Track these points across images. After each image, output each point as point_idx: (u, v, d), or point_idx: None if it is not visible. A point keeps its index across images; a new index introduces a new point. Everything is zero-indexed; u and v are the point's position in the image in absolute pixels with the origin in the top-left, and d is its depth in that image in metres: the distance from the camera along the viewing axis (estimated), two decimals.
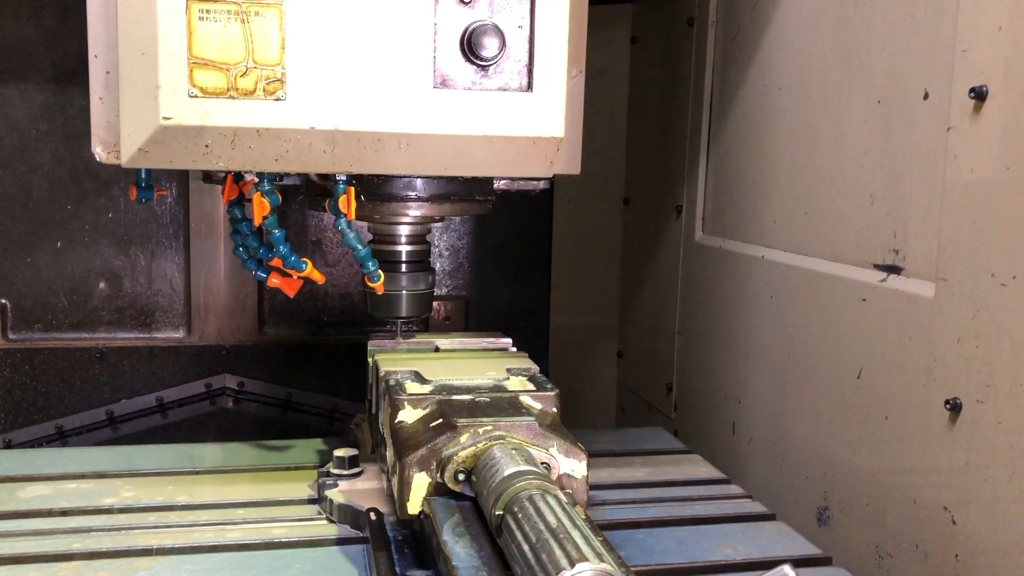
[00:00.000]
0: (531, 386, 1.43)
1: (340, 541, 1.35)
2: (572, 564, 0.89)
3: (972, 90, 1.23)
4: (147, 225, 2.35)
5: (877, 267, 1.48)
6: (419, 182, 1.52)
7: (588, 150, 2.58)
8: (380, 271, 1.51)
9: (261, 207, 1.40)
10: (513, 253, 2.60)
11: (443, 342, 1.68)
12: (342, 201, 1.40)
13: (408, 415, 1.34)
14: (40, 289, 2.31)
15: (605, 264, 2.67)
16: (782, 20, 1.78)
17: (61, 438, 2.34)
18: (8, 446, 2.30)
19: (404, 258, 1.62)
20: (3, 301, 2.29)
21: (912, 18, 1.40)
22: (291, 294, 1.54)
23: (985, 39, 1.22)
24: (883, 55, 1.47)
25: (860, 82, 1.53)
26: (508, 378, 1.46)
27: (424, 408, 1.34)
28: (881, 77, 1.47)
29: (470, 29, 1.33)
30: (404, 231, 1.61)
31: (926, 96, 1.37)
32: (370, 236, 1.63)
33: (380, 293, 1.55)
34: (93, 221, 2.31)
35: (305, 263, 1.48)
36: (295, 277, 1.51)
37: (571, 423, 1.37)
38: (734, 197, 1.99)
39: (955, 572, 1.28)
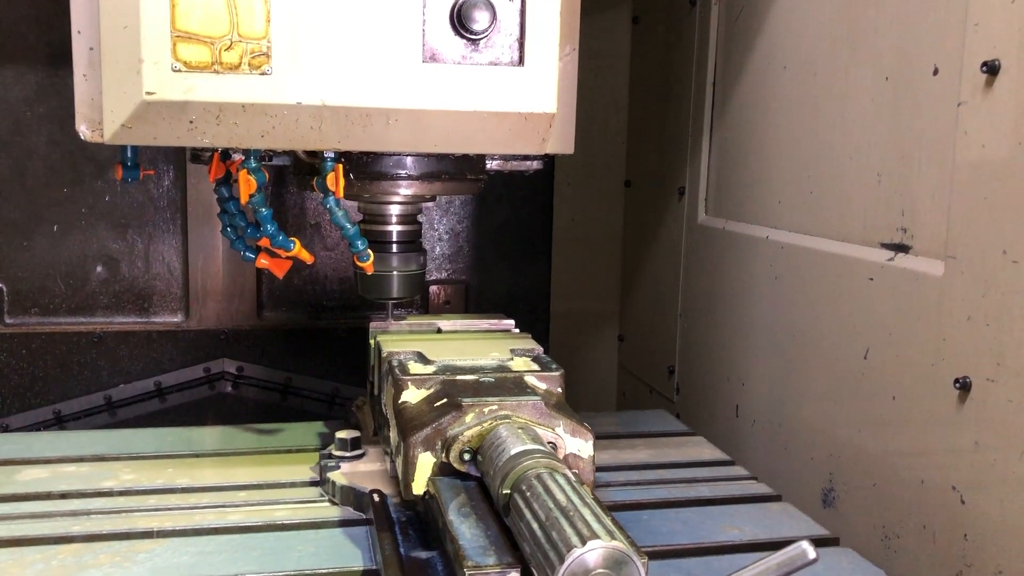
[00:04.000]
0: (535, 366, 1.41)
1: (343, 523, 1.34)
2: (583, 542, 0.88)
3: (984, 64, 1.21)
4: (144, 208, 2.32)
5: (884, 246, 1.47)
6: (409, 160, 1.50)
7: (589, 132, 2.58)
8: (369, 251, 1.49)
9: (247, 185, 1.37)
10: (513, 237, 2.58)
11: (445, 323, 1.66)
12: (330, 179, 1.38)
13: (412, 395, 1.32)
14: (37, 273, 2.29)
15: (606, 247, 2.65)
16: None
17: (59, 423, 2.33)
18: (6, 431, 2.28)
19: (395, 238, 1.59)
20: (0, 285, 2.27)
21: None
22: (280, 275, 1.52)
23: (998, 12, 1.20)
24: (891, 30, 1.45)
25: (867, 59, 1.51)
26: (512, 358, 1.45)
27: (428, 388, 1.33)
28: (889, 53, 1.46)
29: (460, 2, 1.31)
30: (394, 210, 1.59)
31: (936, 72, 1.35)
32: (360, 216, 1.61)
33: (370, 273, 1.53)
34: (90, 204, 2.29)
35: (293, 242, 1.46)
36: (284, 257, 1.49)
37: (572, 408, 1.36)
38: (738, 178, 1.97)
39: (963, 552, 1.27)
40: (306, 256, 1.47)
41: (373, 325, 1.64)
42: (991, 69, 1.21)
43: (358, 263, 1.50)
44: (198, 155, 1.52)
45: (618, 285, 2.69)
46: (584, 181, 2.60)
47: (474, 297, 2.56)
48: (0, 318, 2.28)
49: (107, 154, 2.24)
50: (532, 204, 2.58)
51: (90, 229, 2.30)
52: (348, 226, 1.44)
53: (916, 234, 1.40)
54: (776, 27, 1.80)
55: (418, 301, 2.52)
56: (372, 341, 1.58)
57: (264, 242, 1.46)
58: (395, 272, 1.59)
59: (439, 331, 1.64)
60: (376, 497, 1.32)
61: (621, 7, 2.57)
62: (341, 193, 1.39)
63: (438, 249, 2.53)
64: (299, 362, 2.47)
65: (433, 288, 2.53)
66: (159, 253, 2.35)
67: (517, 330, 1.67)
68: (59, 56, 2.22)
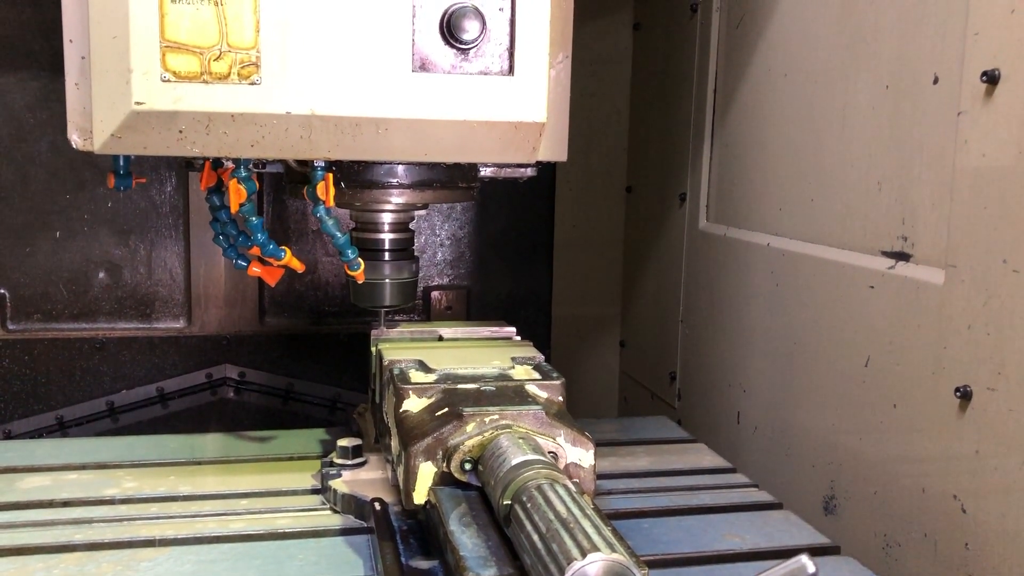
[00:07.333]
0: (536, 375, 1.41)
1: (344, 531, 1.34)
2: (583, 554, 0.88)
3: (984, 74, 1.22)
4: (146, 215, 2.33)
5: (885, 254, 1.47)
6: (400, 168, 1.50)
7: (590, 138, 2.58)
8: (360, 259, 1.49)
9: (238, 194, 1.38)
10: (515, 242, 2.59)
11: (447, 331, 1.66)
12: (320, 188, 1.38)
13: (413, 404, 1.33)
14: (39, 279, 2.29)
15: (607, 253, 2.66)
16: (788, 4, 1.76)
17: (61, 429, 2.33)
18: (8, 437, 2.29)
19: (387, 246, 1.59)
20: (2, 291, 2.27)
21: (922, 0, 1.38)
22: (272, 283, 1.52)
23: (998, 21, 1.20)
24: (891, 39, 1.45)
25: (868, 67, 1.51)
26: (513, 367, 1.45)
27: (429, 397, 1.33)
28: (889, 62, 1.46)
29: (450, 11, 1.31)
30: (386, 219, 1.58)
31: (936, 80, 1.35)
32: (352, 224, 1.61)
33: (361, 282, 1.53)
34: (92, 211, 2.29)
35: (284, 251, 1.46)
36: (275, 265, 1.49)
37: (573, 413, 1.36)
38: (739, 184, 1.97)
39: (965, 561, 1.27)
40: (297, 265, 1.48)
41: (374, 332, 1.64)
42: (991, 78, 1.21)
43: (349, 272, 1.50)
44: (191, 163, 1.52)
45: (619, 291, 2.69)
46: (585, 187, 2.61)
47: (476, 302, 2.57)
48: (3, 324, 2.28)
49: (110, 161, 2.24)
50: (533, 210, 2.59)
51: (92, 235, 2.30)
52: (338, 235, 1.44)
53: (917, 242, 1.40)
54: (777, 35, 1.80)
55: (419, 307, 2.52)
56: (373, 348, 1.58)
57: (255, 250, 1.46)
58: (387, 280, 1.59)
59: (440, 338, 1.65)
60: (377, 506, 1.32)
61: (622, 13, 2.57)
62: (331, 202, 1.40)
63: (440, 255, 2.53)
64: (301, 368, 2.48)
65: (435, 294, 2.53)
66: (161, 259, 2.36)
67: (518, 337, 1.67)
68: (62, 63, 2.22)
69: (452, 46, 1.33)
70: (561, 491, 1.03)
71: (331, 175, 1.39)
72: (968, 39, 1.26)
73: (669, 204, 2.30)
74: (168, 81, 1.24)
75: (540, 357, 1.51)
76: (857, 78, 1.54)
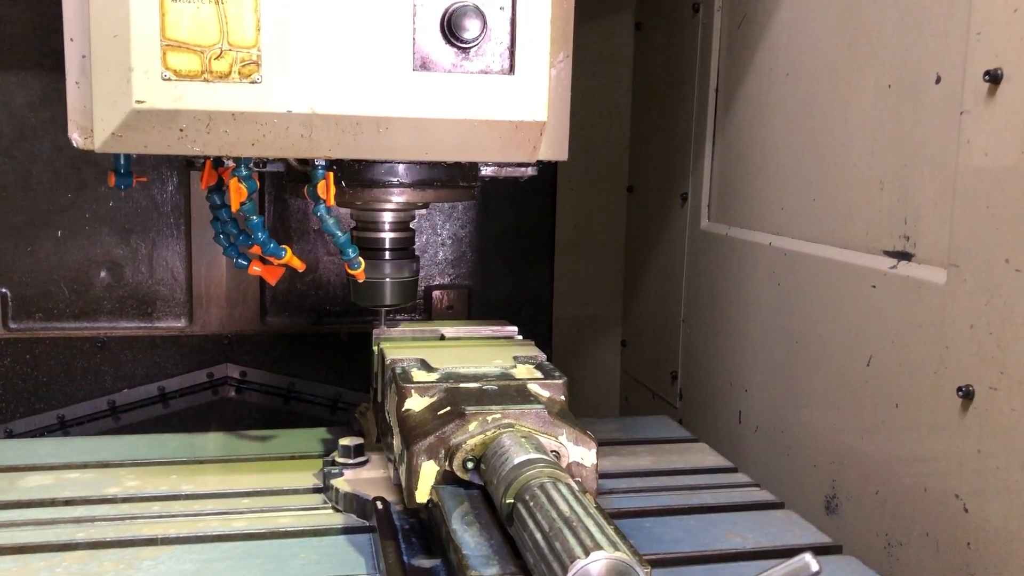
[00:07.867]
0: (539, 374, 1.41)
1: (346, 530, 1.34)
2: (587, 553, 0.88)
3: (987, 73, 1.22)
4: (148, 214, 2.33)
5: (887, 253, 1.47)
6: (401, 167, 1.50)
7: (592, 137, 2.58)
8: (360, 258, 1.49)
9: (238, 193, 1.38)
10: (516, 242, 2.59)
11: (448, 330, 1.66)
12: (321, 187, 1.38)
13: (415, 403, 1.33)
14: (41, 278, 2.29)
15: (609, 252, 2.66)
16: (789, 4, 1.76)
17: (62, 428, 2.33)
18: (9, 436, 2.29)
19: (387, 245, 1.59)
20: (4, 290, 2.27)
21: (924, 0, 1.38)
22: (272, 282, 1.52)
23: (1000, 21, 1.20)
24: (894, 38, 1.45)
25: (870, 66, 1.51)
26: (515, 366, 1.45)
27: (431, 396, 1.33)
28: (891, 61, 1.46)
29: (450, 10, 1.31)
30: (387, 217, 1.59)
31: (938, 80, 1.35)
32: (353, 223, 1.61)
33: (361, 281, 1.53)
34: (94, 210, 2.29)
35: (284, 250, 1.46)
36: (276, 264, 1.49)
37: (574, 413, 1.36)
38: (741, 184, 1.97)
39: (966, 561, 1.27)
40: (298, 264, 1.48)
41: (376, 331, 1.64)
42: (993, 78, 1.21)
43: (349, 271, 1.51)
44: (192, 162, 1.52)
45: (621, 290, 2.69)
46: (587, 186, 2.61)
47: (477, 302, 2.57)
48: (4, 323, 2.28)
49: (111, 160, 2.24)
50: (535, 209, 2.59)
51: (94, 234, 2.30)
52: (339, 234, 1.44)
53: (919, 242, 1.40)
54: (778, 34, 1.80)
55: (420, 306, 2.52)
56: (375, 347, 1.58)
57: (256, 249, 1.46)
58: (388, 279, 1.59)
59: (442, 337, 1.65)
60: (379, 505, 1.32)
61: (623, 13, 2.57)
62: (332, 201, 1.40)
63: (441, 254, 2.53)
64: (302, 367, 2.48)
65: (436, 293, 2.53)
66: (163, 258, 2.36)
67: (520, 336, 1.67)
68: (63, 62, 2.22)
69: (453, 45, 1.33)
70: (564, 490, 1.03)
71: (332, 174, 1.39)
72: (970, 38, 1.26)
73: (670, 204, 2.30)
74: (169, 80, 1.24)
75: (542, 356, 1.51)
76: (859, 77, 1.54)
